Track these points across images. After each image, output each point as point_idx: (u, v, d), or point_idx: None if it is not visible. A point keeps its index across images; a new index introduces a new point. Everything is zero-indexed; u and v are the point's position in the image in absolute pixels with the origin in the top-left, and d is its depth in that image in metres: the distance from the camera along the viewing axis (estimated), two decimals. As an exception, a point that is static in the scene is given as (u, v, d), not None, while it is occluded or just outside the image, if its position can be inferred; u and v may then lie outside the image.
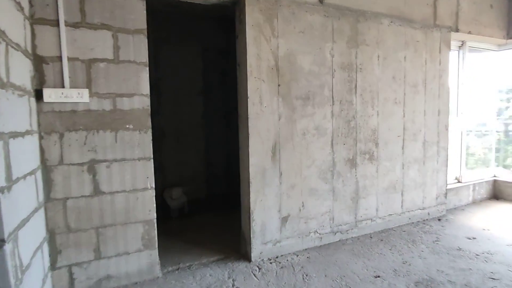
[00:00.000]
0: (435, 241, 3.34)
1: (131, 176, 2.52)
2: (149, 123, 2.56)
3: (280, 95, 2.97)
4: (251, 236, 2.92)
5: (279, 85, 2.96)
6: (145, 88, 2.52)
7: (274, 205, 3.01)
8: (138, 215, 2.57)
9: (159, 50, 4.36)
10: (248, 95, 2.82)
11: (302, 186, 3.13)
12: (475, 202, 4.64)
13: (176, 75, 4.54)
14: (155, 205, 2.63)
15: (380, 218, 3.62)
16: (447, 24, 3.95)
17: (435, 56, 3.89)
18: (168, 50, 4.48)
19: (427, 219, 3.96)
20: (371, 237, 3.46)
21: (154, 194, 2.62)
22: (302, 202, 3.15)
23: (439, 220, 3.96)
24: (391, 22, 3.52)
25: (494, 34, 4.41)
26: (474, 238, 3.39)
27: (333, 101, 3.24)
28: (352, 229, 3.45)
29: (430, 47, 3.84)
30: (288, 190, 3.06)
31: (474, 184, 4.63)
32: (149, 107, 2.55)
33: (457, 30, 4.04)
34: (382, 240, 3.39)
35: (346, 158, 3.36)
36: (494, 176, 4.92)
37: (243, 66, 2.86)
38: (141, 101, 2.51)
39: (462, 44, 4.48)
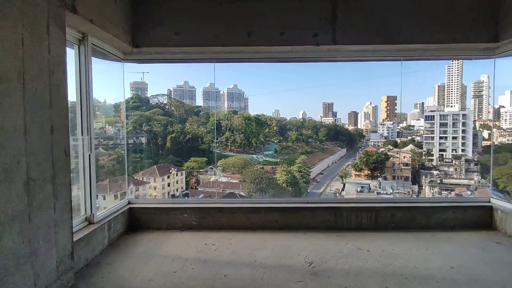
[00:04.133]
0: None
1: None
2: None
3: None
4: None
5: None
6: None
7: None
8: None
9: None
10: None
11: None
12: (112, 244, 3.63)
13: None
14: None
15: None
16: (60, -6, 2.57)
17: (41, 37, 2.35)
18: None
19: (43, 311, 2.33)
20: None
21: None
22: None
23: (64, 302, 2.47)
24: None
25: (120, 36, 3.64)
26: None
27: None
28: None
29: (32, 20, 2.26)
30: None
31: (109, 221, 3.61)
32: None
33: (74, 11, 2.77)
34: None
35: None
36: (129, 203, 4.25)
37: None
38: None
39: (83, 38, 3.31)
